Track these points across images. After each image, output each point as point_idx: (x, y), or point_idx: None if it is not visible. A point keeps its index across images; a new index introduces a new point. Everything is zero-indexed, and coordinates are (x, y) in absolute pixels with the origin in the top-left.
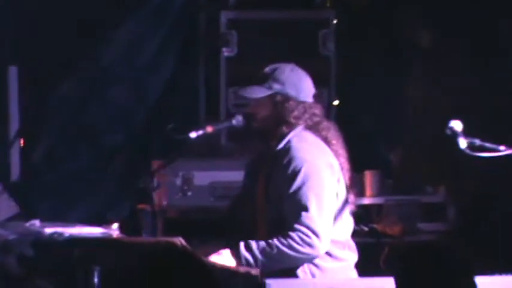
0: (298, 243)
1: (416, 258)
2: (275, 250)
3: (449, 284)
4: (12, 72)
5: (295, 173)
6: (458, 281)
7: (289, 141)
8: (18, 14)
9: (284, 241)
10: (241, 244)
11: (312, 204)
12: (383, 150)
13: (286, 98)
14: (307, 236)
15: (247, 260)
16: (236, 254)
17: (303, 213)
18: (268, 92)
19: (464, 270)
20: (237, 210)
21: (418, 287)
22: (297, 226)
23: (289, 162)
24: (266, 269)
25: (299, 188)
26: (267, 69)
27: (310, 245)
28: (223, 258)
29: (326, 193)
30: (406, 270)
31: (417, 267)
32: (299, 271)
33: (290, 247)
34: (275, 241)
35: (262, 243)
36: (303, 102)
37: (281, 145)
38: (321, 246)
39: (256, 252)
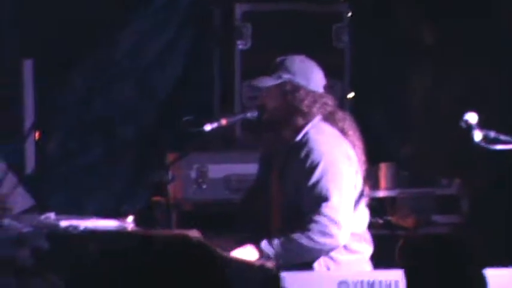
0: (317, 235)
1: (426, 251)
2: (295, 243)
3: (458, 276)
4: (28, 65)
5: (314, 166)
6: (467, 274)
7: (306, 133)
8: (31, 10)
9: (304, 233)
10: (263, 241)
11: (332, 194)
12: (396, 143)
13: (296, 87)
14: (326, 226)
15: (268, 255)
16: (257, 249)
17: (323, 204)
18: (278, 81)
19: (474, 263)
20: (250, 202)
21: (428, 279)
22: (315, 217)
23: (308, 155)
24: (288, 262)
25: (318, 181)
26: (277, 60)
27: (329, 235)
28: (246, 251)
29: (345, 184)
30: (416, 263)
31: (427, 260)
32: (314, 264)
33: (310, 239)
34: (295, 235)
35: (283, 238)
36: (313, 92)
37: (299, 137)
38: (340, 234)
39: (277, 246)
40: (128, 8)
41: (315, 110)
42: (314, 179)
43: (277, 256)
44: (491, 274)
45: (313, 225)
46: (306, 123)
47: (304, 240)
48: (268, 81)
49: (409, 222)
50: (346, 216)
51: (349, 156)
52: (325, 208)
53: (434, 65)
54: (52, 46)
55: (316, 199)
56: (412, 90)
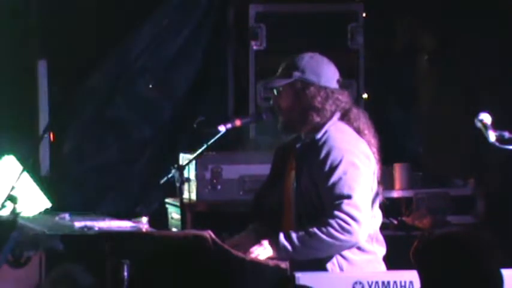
0: (337, 231)
1: (440, 249)
2: (314, 238)
3: (475, 275)
4: (42, 65)
5: (336, 165)
6: (484, 272)
7: (326, 132)
8: (47, 8)
9: (323, 229)
10: (281, 234)
11: (354, 192)
12: (412, 143)
13: (307, 84)
14: (346, 222)
15: (285, 248)
16: (275, 242)
17: (345, 201)
18: (289, 80)
19: (490, 261)
20: (264, 199)
21: (444, 278)
22: (336, 213)
23: (328, 153)
24: (305, 257)
25: (340, 179)
26: (287, 60)
27: (349, 232)
28: (262, 248)
29: (365, 182)
30: (431, 261)
31: (442, 259)
32: (328, 264)
33: (329, 235)
34: (314, 229)
35: (301, 232)
36: (324, 88)
37: (319, 135)
38: (360, 232)
39: (295, 240)
40: (145, 9)
41: (327, 106)
42: (335, 177)
43: (296, 250)
44: (506, 274)
45: (333, 221)
46: (324, 122)
47: (324, 236)
48: (279, 81)
49: (424, 222)
50: (366, 215)
51: (368, 156)
52: (347, 206)
53: (457, 60)
54: (68, 46)
55: (338, 196)
56: (434, 87)
